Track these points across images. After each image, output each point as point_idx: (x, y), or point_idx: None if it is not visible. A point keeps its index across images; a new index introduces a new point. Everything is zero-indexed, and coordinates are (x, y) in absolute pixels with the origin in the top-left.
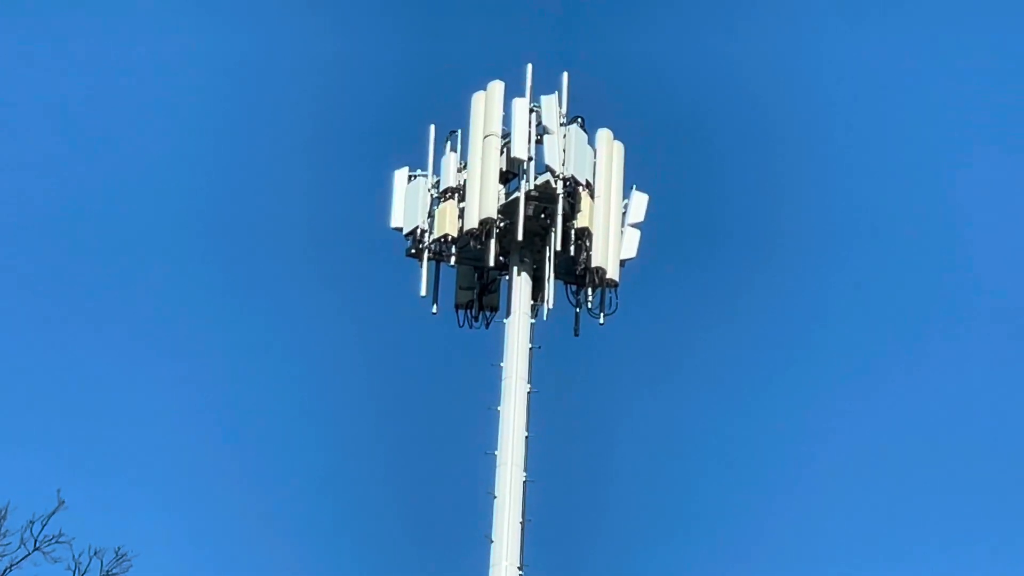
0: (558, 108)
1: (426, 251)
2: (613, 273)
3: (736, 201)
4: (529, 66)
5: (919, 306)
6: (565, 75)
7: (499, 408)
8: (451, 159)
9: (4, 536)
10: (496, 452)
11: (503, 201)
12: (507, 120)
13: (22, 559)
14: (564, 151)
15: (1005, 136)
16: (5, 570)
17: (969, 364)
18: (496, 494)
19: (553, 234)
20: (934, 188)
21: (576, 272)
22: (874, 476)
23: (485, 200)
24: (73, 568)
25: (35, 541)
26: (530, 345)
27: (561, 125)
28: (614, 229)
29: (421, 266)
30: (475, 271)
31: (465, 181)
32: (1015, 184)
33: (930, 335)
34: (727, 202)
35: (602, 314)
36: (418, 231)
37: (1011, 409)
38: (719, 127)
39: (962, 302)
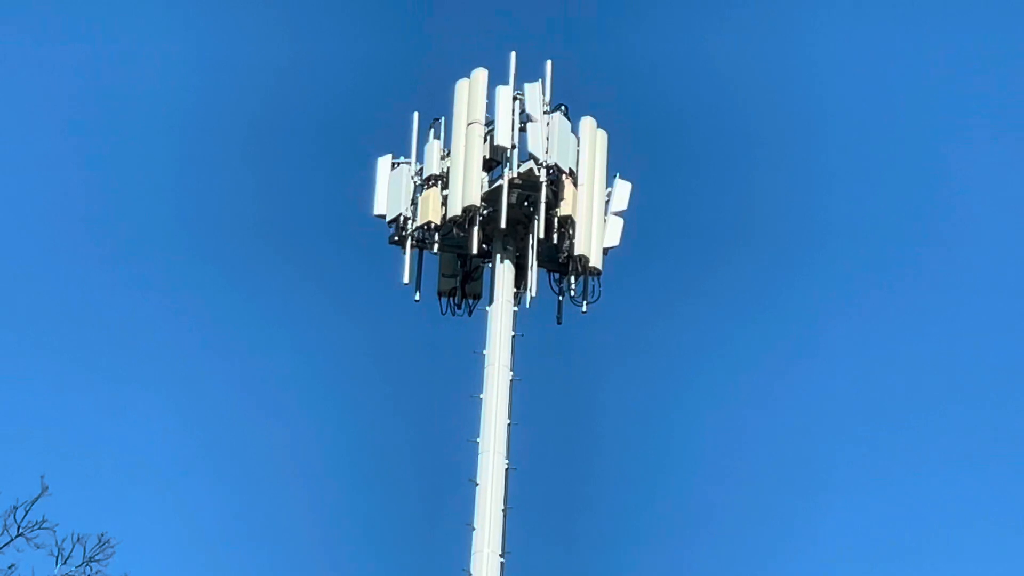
0: (542, 96)
1: (409, 238)
2: (596, 261)
3: (719, 190)
4: (513, 54)
5: (900, 292)
6: (549, 63)
7: (481, 396)
8: (434, 146)
9: None
10: (478, 440)
11: (486, 189)
12: (491, 108)
13: (5, 545)
14: (547, 139)
15: (997, 130)
16: None
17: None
18: (478, 481)
19: (536, 222)
20: (919, 182)
21: (559, 260)
22: (863, 465)
23: (468, 188)
24: (56, 554)
25: (18, 527)
26: (513, 333)
27: (544, 113)
28: (597, 217)
29: (404, 253)
30: (458, 259)
31: (448, 168)
32: (1007, 179)
33: (912, 326)
34: (710, 191)
35: (585, 302)
36: (401, 218)
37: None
38: (703, 116)
39: (945, 287)
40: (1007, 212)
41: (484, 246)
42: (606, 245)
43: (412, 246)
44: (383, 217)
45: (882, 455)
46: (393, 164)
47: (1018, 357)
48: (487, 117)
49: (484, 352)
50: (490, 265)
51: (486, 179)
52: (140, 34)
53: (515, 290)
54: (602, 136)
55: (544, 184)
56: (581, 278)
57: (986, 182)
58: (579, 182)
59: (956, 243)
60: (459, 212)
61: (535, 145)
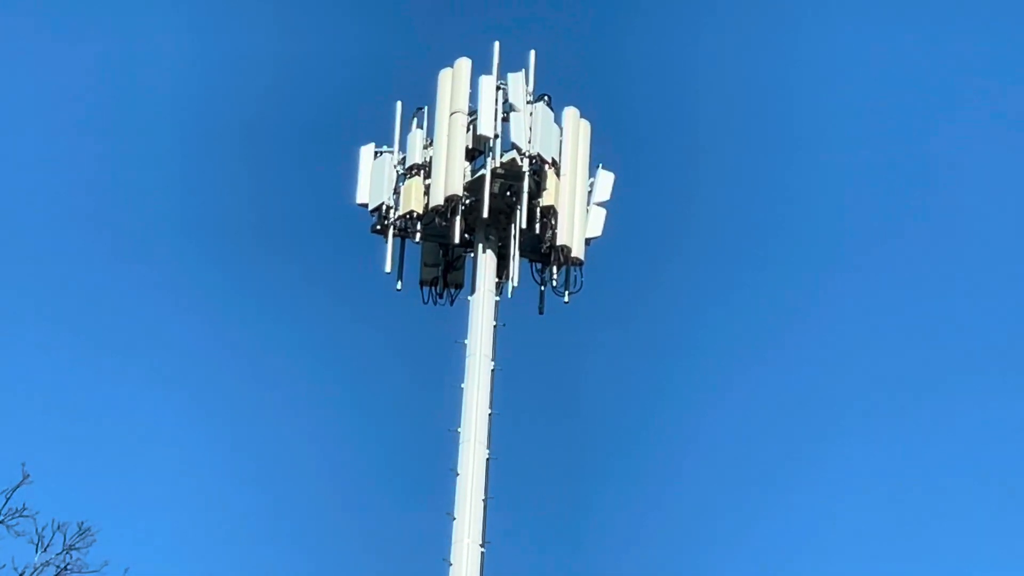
0: (525, 86)
1: (391, 227)
2: (578, 252)
3: (702, 180)
4: (496, 44)
5: (880, 277)
6: (532, 53)
7: (463, 385)
8: (417, 136)
9: None
10: (459, 429)
11: (469, 178)
12: (474, 97)
13: None
14: (530, 129)
15: (987, 127)
16: None
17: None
18: (459, 471)
19: (518, 212)
20: (905, 171)
21: (541, 250)
22: (845, 442)
23: (451, 177)
24: (36, 542)
25: None
26: (494, 323)
27: (528, 103)
28: (580, 207)
29: (386, 242)
30: (440, 248)
31: (431, 158)
32: (1006, 180)
33: (889, 311)
34: (693, 181)
35: (567, 292)
36: (383, 207)
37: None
38: (686, 107)
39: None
40: (991, 197)
41: (466, 236)
42: (588, 235)
43: (394, 235)
44: (365, 206)
45: (870, 440)
46: (376, 153)
47: (1006, 339)
48: (470, 107)
49: (466, 342)
50: (472, 255)
51: (469, 169)
52: (124, 30)
53: (497, 280)
54: (585, 126)
55: (527, 174)
56: (563, 268)
57: (971, 169)
58: (562, 172)
59: (943, 229)
60: (441, 201)
61: (518, 135)
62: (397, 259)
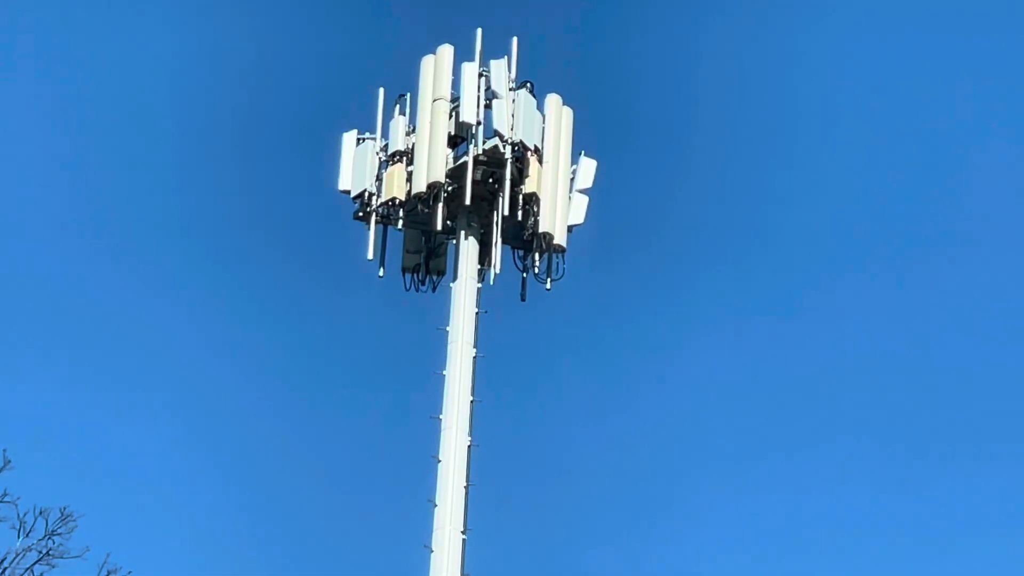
0: (507, 73)
1: (374, 214)
2: (560, 239)
3: (685, 168)
4: (479, 30)
5: (873, 280)
6: (515, 40)
7: (444, 372)
8: (400, 122)
9: None
10: (441, 416)
11: (451, 165)
12: (456, 84)
13: None
14: (513, 116)
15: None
16: None
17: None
18: (440, 458)
19: (501, 199)
20: (902, 170)
21: (523, 237)
22: (829, 428)
23: (433, 164)
24: (18, 527)
25: None
26: (476, 310)
27: (510, 90)
28: (562, 194)
29: (368, 229)
30: (422, 235)
31: (413, 145)
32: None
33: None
34: (676, 168)
35: (549, 279)
36: (366, 194)
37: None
38: (668, 94)
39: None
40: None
41: (448, 223)
42: (570, 223)
43: (376, 222)
44: (348, 193)
45: (866, 436)
46: (358, 140)
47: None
48: (453, 93)
49: (448, 328)
50: (454, 242)
51: (451, 155)
52: (106, 23)
53: (479, 267)
54: (567, 113)
55: (509, 161)
56: (545, 255)
57: (971, 169)
58: (544, 159)
59: (941, 228)
60: (424, 188)
61: (500, 122)
62: (379, 246)
